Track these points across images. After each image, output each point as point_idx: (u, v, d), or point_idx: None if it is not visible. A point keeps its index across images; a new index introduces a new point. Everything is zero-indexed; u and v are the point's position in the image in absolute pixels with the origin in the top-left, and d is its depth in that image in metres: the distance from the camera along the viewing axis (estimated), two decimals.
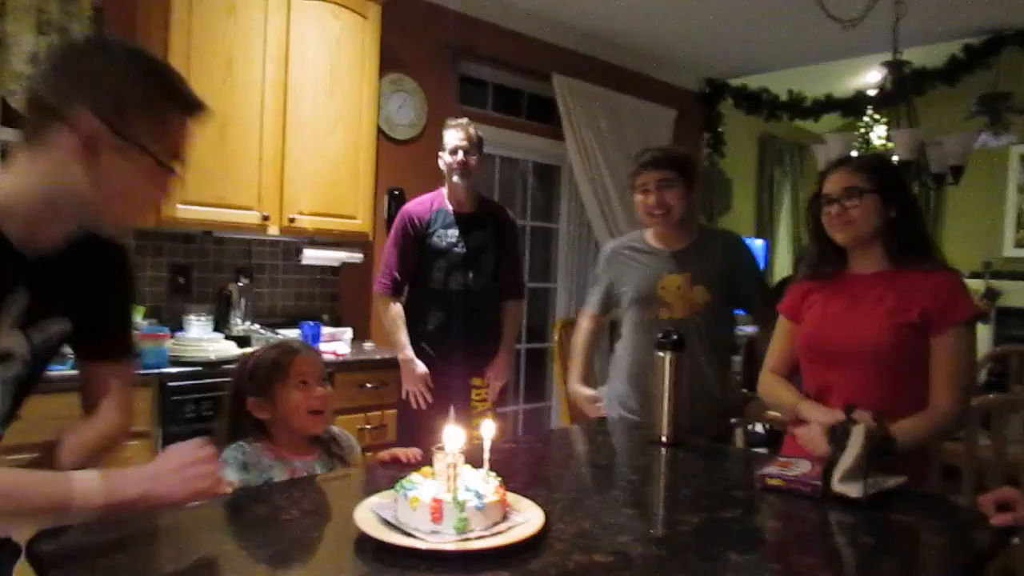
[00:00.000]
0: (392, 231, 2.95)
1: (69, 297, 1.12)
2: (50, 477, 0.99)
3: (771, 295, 2.43)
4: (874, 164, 1.80)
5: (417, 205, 2.93)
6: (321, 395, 1.64)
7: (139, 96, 1.03)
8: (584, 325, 2.60)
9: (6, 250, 1.00)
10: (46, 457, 1.10)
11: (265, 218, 3.01)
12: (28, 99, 1.04)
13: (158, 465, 1.07)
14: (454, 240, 2.86)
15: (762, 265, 6.39)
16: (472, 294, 2.89)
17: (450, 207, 2.89)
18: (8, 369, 1.06)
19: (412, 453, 1.57)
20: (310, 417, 1.61)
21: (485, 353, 2.97)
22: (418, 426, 2.82)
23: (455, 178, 2.84)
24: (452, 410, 2.94)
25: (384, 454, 1.62)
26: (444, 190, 2.94)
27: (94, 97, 1.00)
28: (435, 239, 2.86)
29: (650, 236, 2.42)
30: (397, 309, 2.90)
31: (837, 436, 1.42)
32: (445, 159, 2.86)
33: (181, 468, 1.07)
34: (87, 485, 0.97)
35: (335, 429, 1.76)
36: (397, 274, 2.89)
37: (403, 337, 2.87)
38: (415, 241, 2.87)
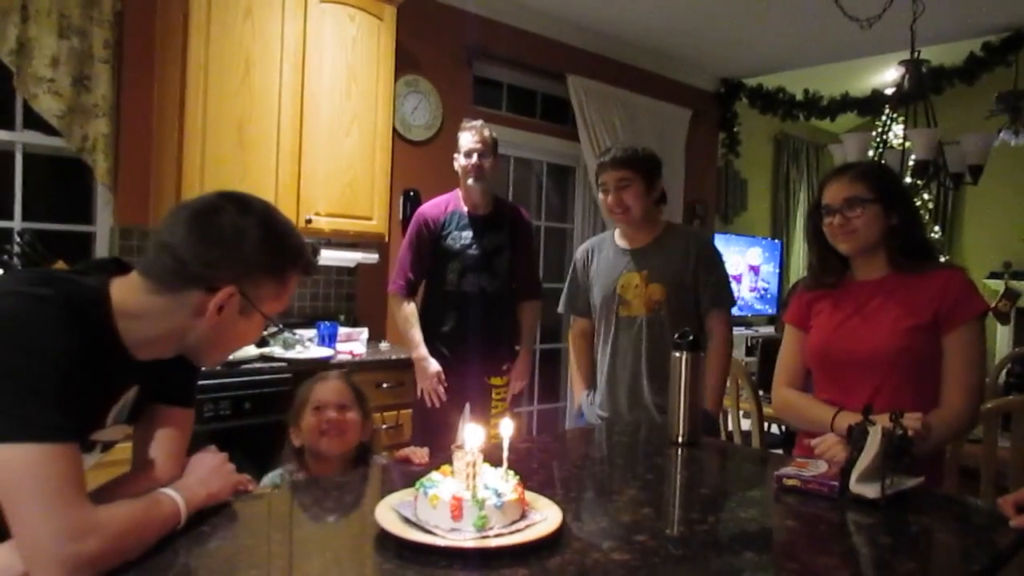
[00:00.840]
0: (407, 233, 2.97)
1: (161, 383, 1.19)
2: (153, 502, 1.05)
3: (728, 305, 2.39)
4: (873, 172, 1.78)
5: (432, 207, 2.95)
6: (330, 418, 1.72)
7: (271, 266, 1.11)
8: (573, 338, 2.62)
9: (122, 358, 1.07)
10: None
11: None
12: (165, 250, 1.07)
13: (200, 470, 1.18)
14: (468, 242, 2.87)
15: (777, 266, 6.36)
16: (486, 295, 2.89)
17: (465, 209, 2.91)
18: (106, 455, 1.16)
19: (421, 454, 1.64)
20: (321, 438, 1.71)
21: (500, 354, 2.98)
22: (434, 425, 2.84)
23: (470, 181, 2.85)
24: (467, 410, 2.95)
25: (399, 453, 1.69)
26: (459, 192, 2.95)
27: (235, 270, 1.08)
28: (449, 241, 2.87)
29: (617, 235, 2.46)
30: (410, 308, 2.92)
31: (854, 437, 1.42)
32: (460, 162, 2.87)
33: (216, 469, 1.19)
34: (179, 500, 1.07)
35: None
36: (411, 275, 2.91)
37: (417, 336, 2.89)
38: (429, 243, 2.89)
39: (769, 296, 6.32)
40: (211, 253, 1.06)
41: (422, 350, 2.87)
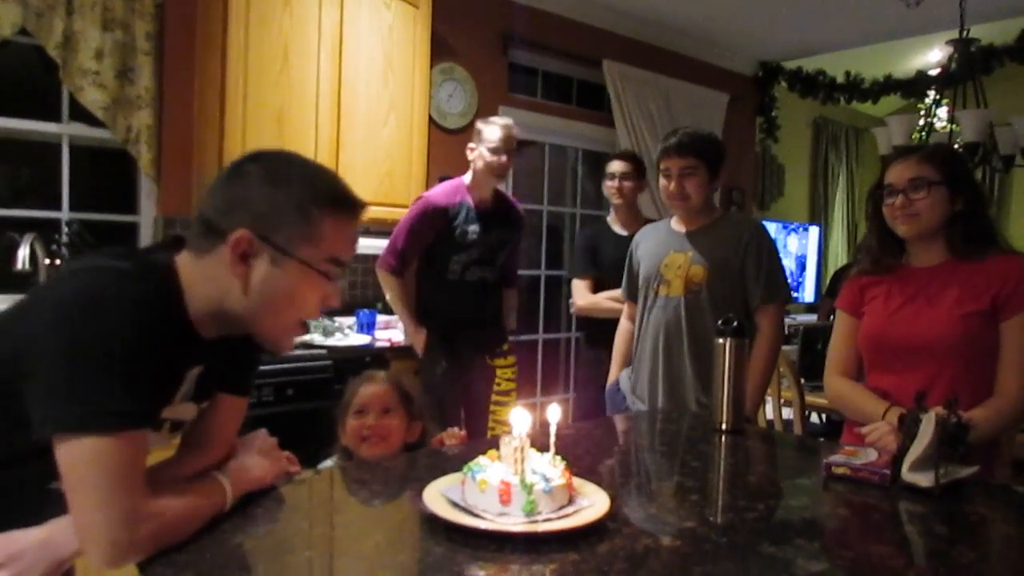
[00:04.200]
0: (412, 215, 2.89)
1: (228, 364, 1.19)
2: (204, 488, 1.07)
3: (780, 299, 2.31)
4: (942, 155, 1.72)
5: (443, 196, 2.87)
6: (371, 424, 1.71)
7: (284, 201, 1.04)
8: (622, 322, 2.61)
9: (191, 336, 1.07)
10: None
11: None
12: (195, 216, 1.08)
13: (249, 455, 1.18)
14: (476, 237, 2.85)
15: (817, 253, 6.25)
16: (486, 285, 2.94)
17: (472, 202, 2.87)
18: (175, 436, 1.18)
19: (451, 433, 1.68)
20: (362, 444, 1.71)
21: (499, 336, 3.05)
22: (443, 410, 2.84)
23: (492, 177, 2.82)
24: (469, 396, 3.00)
25: (434, 440, 1.72)
26: (466, 182, 2.90)
27: (247, 212, 1.03)
28: (458, 234, 2.83)
29: (674, 220, 2.44)
30: (402, 284, 2.92)
31: (907, 424, 1.39)
32: (485, 156, 2.80)
33: (264, 454, 1.20)
34: (227, 485, 1.09)
35: None
36: (406, 256, 2.88)
37: (410, 310, 2.92)
38: (434, 231, 2.84)
39: (807, 283, 6.21)
40: (222, 201, 1.05)
41: (414, 323, 2.91)
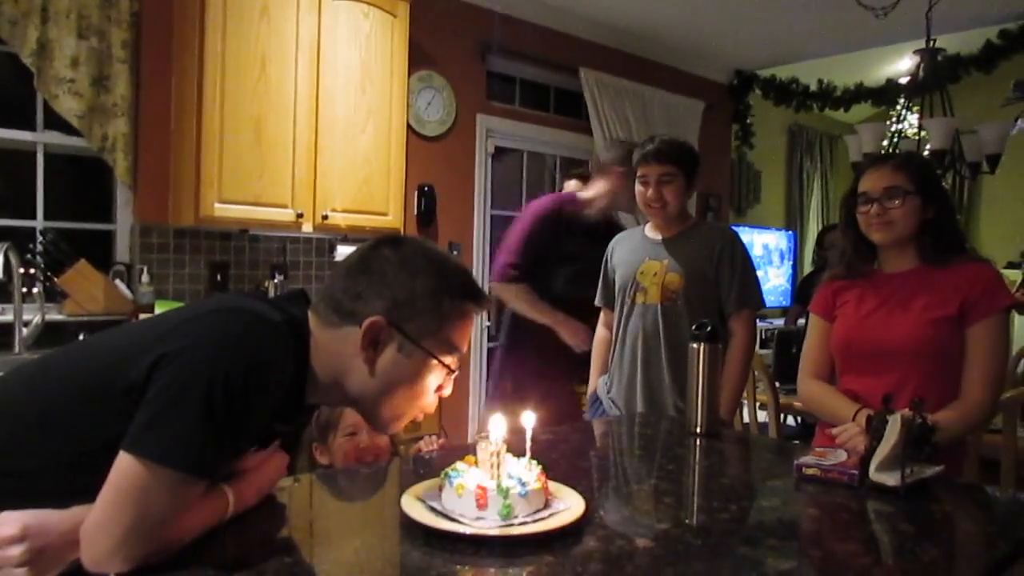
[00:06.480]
0: (531, 220, 2.76)
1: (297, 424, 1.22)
2: (213, 500, 1.04)
3: (752, 306, 2.33)
4: (915, 164, 1.77)
5: (568, 203, 2.78)
6: (364, 444, 1.71)
7: (421, 293, 1.07)
8: (599, 330, 2.61)
9: (297, 397, 1.09)
10: None
11: (299, 216, 3.06)
12: (325, 296, 1.10)
13: (258, 470, 1.13)
14: (588, 250, 2.70)
15: (792, 257, 6.33)
16: (585, 302, 2.66)
17: (586, 216, 2.78)
18: None
19: (429, 441, 1.73)
20: (356, 465, 1.70)
21: (583, 360, 2.73)
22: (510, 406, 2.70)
23: (624, 205, 2.79)
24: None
25: (414, 448, 1.75)
26: (584, 196, 2.82)
27: (383, 299, 1.07)
28: (573, 246, 2.74)
29: (648, 227, 2.46)
30: (528, 288, 2.76)
31: (874, 425, 1.43)
32: (636, 188, 2.50)
33: (262, 464, 1.15)
34: (229, 499, 1.06)
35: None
36: (524, 265, 2.76)
37: (545, 304, 2.75)
38: (553, 238, 2.74)
39: (782, 288, 6.29)
40: (357, 285, 1.07)
41: (559, 314, 2.74)
